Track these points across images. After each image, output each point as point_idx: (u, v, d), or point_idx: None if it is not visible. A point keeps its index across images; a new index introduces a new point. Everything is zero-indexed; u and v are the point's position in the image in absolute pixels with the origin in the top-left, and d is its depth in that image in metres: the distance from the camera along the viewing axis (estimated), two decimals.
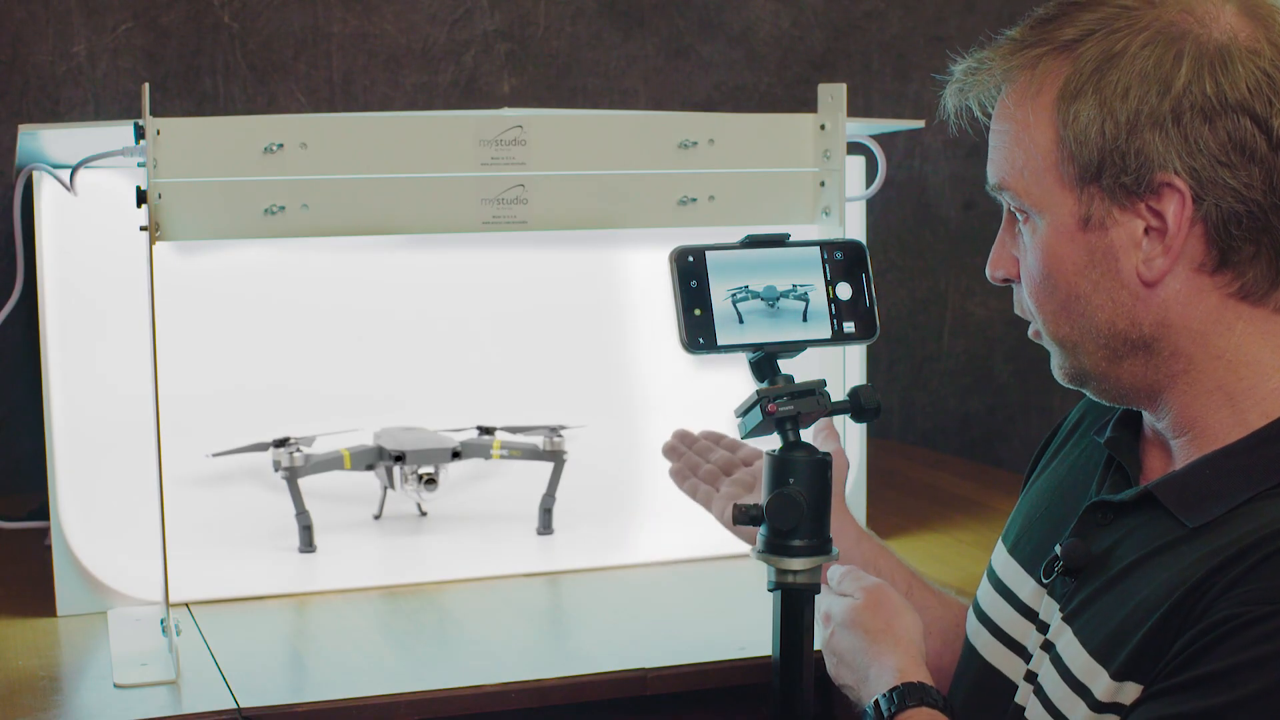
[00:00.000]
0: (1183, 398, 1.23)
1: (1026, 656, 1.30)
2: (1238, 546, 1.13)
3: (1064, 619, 1.25)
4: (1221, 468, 1.20)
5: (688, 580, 1.97)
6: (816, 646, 1.36)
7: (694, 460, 1.64)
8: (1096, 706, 1.18)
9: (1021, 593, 1.34)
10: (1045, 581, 1.29)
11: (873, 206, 2.20)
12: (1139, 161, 1.17)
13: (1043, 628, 1.29)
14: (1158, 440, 1.29)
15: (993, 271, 1.30)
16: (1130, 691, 1.16)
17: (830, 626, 1.37)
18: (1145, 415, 1.30)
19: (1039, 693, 1.26)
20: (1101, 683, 1.18)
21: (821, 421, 1.46)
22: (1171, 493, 1.22)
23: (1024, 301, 1.29)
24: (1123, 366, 1.24)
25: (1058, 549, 1.28)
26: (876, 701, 1.29)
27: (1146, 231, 1.19)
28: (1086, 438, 1.40)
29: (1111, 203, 1.19)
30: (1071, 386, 1.30)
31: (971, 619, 1.41)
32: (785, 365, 1.30)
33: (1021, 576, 1.35)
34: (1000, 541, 1.42)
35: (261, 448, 2.04)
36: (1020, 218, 1.26)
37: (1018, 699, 1.29)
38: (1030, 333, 1.31)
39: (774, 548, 1.28)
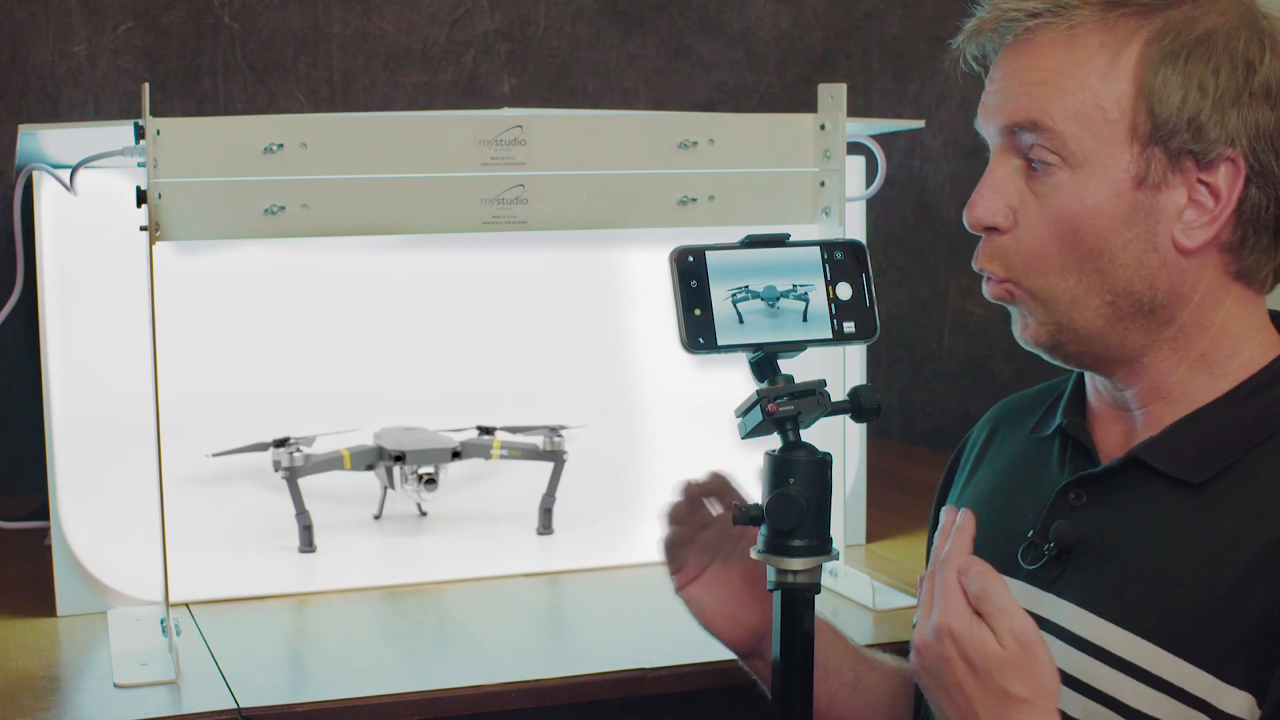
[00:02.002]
0: (1164, 364, 1.25)
1: None
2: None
3: (1075, 602, 1.24)
4: (1209, 423, 1.23)
5: None
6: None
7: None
8: (1176, 693, 1.17)
9: None
10: (1030, 568, 1.28)
11: (873, 206, 2.20)
12: (1213, 134, 1.20)
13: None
14: (1109, 416, 1.30)
15: (987, 217, 1.24)
16: (1236, 699, 1.14)
17: (945, 641, 1.16)
18: (1100, 390, 1.31)
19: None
20: (1172, 666, 1.17)
21: None
22: (1161, 454, 1.23)
23: (1006, 253, 1.24)
24: (1117, 328, 1.24)
25: (1031, 534, 1.28)
26: None
27: (1189, 200, 1.22)
28: (1014, 439, 1.40)
29: (1170, 167, 1.21)
30: (1036, 348, 1.27)
31: None
32: (785, 365, 1.30)
33: None
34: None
35: (261, 448, 2.04)
36: (1041, 166, 1.22)
37: None
38: (995, 290, 1.26)
39: (774, 548, 1.27)
